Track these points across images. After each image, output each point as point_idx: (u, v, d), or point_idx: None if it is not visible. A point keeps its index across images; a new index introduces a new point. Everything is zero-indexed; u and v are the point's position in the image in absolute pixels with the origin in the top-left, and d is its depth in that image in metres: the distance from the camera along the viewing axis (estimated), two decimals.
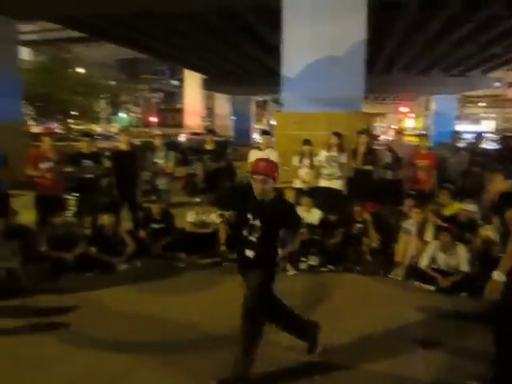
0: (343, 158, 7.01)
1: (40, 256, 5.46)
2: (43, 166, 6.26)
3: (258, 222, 3.25)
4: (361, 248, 5.94)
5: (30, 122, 27.89)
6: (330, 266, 5.78)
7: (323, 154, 7.05)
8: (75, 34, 27.99)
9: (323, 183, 6.97)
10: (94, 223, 6.66)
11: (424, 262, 5.30)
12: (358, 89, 9.02)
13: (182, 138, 27.25)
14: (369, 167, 7.05)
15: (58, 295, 4.86)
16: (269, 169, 3.24)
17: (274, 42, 16.99)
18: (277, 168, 3.33)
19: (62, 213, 5.94)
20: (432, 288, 5.14)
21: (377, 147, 8.35)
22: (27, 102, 21.48)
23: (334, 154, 6.99)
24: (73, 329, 4.11)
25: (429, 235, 5.69)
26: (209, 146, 7.44)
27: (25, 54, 17.30)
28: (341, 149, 7.05)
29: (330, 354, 3.63)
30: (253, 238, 3.27)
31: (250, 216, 3.29)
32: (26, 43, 26.49)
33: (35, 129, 27.98)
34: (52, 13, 13.19)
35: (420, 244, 5.60)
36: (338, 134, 7.09)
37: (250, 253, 3.30)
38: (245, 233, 3.32)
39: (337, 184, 6.94)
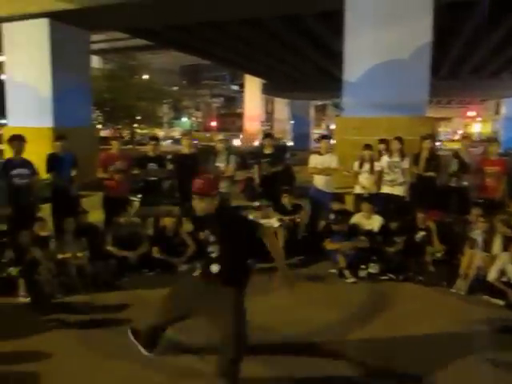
0: (405, 164, 6.82)
1: (106, 254, 5.73)
2: (112, 168, 6.57)
3: (212, 238, 3.25)
4: (423, 257, 5.73)
5: (98, 127, 29.41)
6: (391, 275, 5.63)
7: (385, 160, 6.89)
8: (141, 42, 29.29)
9: (385, 189, 6.81)
10: (157, 224, 6.93)
11: (493, 275, 5.01)
12: (423, 93, 8.77)
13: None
14: (431, 173, 6.80)
15: (122, 292, 5.09)
16: (203, 187, 3.24)
17: (336, 47, 16.90)
18: (214, 185, 3.36)
19: (126, 213, 6.18)
20: (501, 303, 4.85)
21: (441, 153, 8.05)
22: (95, 107, 22.65)
23: (396, 159, 6.82)
24: (135, 325, 4.28)
25: (497, 247, 5.38)
26: (267, 150, 7.47)
27: (94, 62, 18.36)
28: (403, 154, 6.86)
29: (390, 363, 3.52)
30: (214, 254, 3.22)
31: (207, 233, 3.30)
32: (95, 52, 28.00)
33: (103, 133, 29.46)
34: (123, 23, 13.91)
35: (487, 256, 5.31)
36: (399, 139, 6.91)
37: (214, 268, 3.21)
38: (209, 249, 3.26)
39: (399, 190, 6.76)
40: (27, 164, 6.04)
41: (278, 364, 3.57)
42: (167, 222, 6.12)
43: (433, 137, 7.48)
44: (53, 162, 6.52)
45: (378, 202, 6.66)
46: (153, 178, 6.82)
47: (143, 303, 4.76)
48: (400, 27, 8.59)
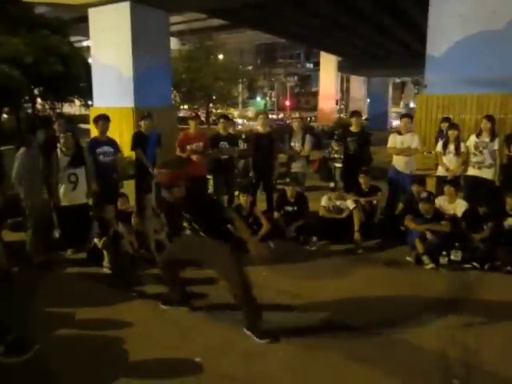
0: (495, 145, 6.30)
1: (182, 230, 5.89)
2: (189, 147, 6.71)
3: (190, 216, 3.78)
4: None
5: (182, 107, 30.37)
6: (475, 264, 5.26)
7: (472, 140, 6.41)
8: (217, 22, 29.56)
9: (471, 172, 6.36)
10: (231, 202, 7.02)
11: None
12: None
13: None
14: None
15: (198, 268, 5.21)
16: (168, 180, 3.72)
17: (419, 19, 15.95)
18: (177, 176, 3.77)
19: (204, 192, 6.30)
20: None
21: None
22: (174, 88, 23.30)
23: (486, 139, 6.32)
24: (211, 300, 4.39)
25: None
26: (354, 129, 7.19)
27: (172, 43, 18.85)
28: (493, 134, 6.34)
29: (473, 372, 3.30)
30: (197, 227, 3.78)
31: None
32: (172, 33, 28.75)
33: (181, 113, 30.38)
34: (201, 4, 14.09)
35: None
36: (490, 118, 6.39)
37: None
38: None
39: (487, 173, 6.28)
40: (111, 142, 6.33)
41: (350, 349, 3.49)
42: (242, 200, 6.16)
43: None
44: (138, 140, 6.71)
45: (465, 185, 6.24)
46: (224, 157, 6.88)
47: (217, 278, 4.86)
48: None
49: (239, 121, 36.30)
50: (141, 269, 5.23)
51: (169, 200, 3.85)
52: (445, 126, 7.16)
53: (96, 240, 5.34)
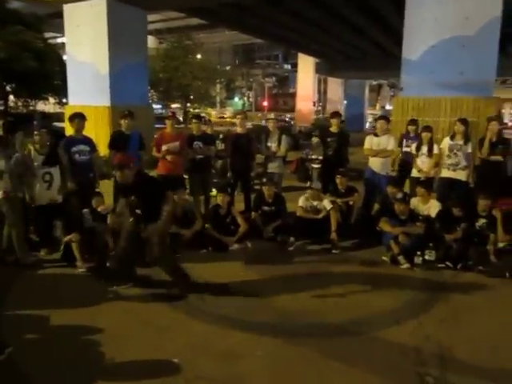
0: (469, 148, 6.45)
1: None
2: (165, 147, 6.64)
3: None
4: (484, 247, 5.44)
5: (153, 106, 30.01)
6: (448, 263, 5.38)
7: (446, 142, 6.55)
8: (195, 21, 29.37)
9: (445, 173, 6.50)
10: (207, 202, 7.00)
11: None
12: (490, 72, 8.22)
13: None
14: (498, 158, 6.39)
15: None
16: (122, 161, 4.49)
17: (395, 22, 16.21)
18: (125, 157, 4.72)
19: (181, 192, 6.25)
20: None
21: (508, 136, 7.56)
22: (151, 87, 23.05)
23: (460, 142, 6.47)
24: (189, 300, 4.37)
25: None
26: (334, 129, 7.25)
27: (149, 42, 18.65)
28: (467, 137, 6.50)
29: (448, 366, 3.37)
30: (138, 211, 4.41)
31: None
32: (150, 32, 28.49)
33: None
34: (179, 3, 13.98)
35: None
36: (464, 121, 6.55)
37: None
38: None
39: (461, 175, 6.42)
40: (87, 141, 6.22)
41: (328, 347, 3.52)
42: (220, 200, 6.15)
43: (499, 119, 7.04)
44: (118, 139, 6.54)
45: (439, 186, 6.37)
46: (199, 157, 6.84)
47: (197, 280, 4.84)
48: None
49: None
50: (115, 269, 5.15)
51: (119, 181, 4.46)
52: (412, 128, 7.28)
53: (65, 238, 5.25)
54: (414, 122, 7.41)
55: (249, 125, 17.01)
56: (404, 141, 7.29)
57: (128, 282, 4.67)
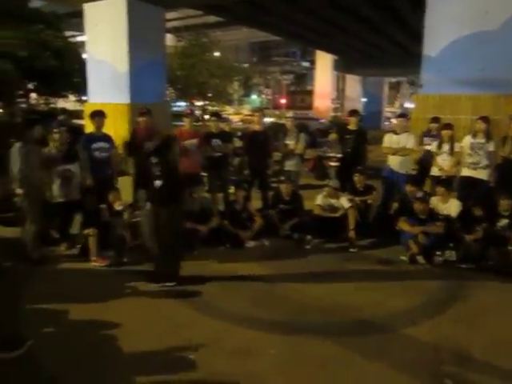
0: (491, 146, 6.32)
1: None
2: (183, 145, 6.65)
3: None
4: (505, 247, 5.32)
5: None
6: (469, 264, 5.29)
7: (467, 141, 6.43)
8: (213, 19, 29.44)
9: (466, 172, 6.37)
10: (226, 199, 7.01)
11: None
12: (511, 68, 8.01)
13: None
14: None
15: (193, 265, 5.20)
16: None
17: (415, 18, 15.97)
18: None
19: (199, 189, 6.27)
20: None
21: None
22: (168, 84, 23.19)
23: (481, 140, 6.33)
24: (204, 298, 4.39)
25: None
26: (352, 127, 7.18)
27: (167, 39, 18.68)
28: (488, 135, 6.36)
29: (465, 366, 3.31)
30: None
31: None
32: (168, 30, 28.68)
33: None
34: (197, 1, 14.01)
35: None
36: (485, 119, 6.41)
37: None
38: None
39: (482, 174, 6.29)
40: (107, 138, 6.28)
41: (343, 346, 3.49)
42: (237, 195, 6.18)
43: None
44: (135, 137, 6.60)
45: (459, 185, 6.26)
46: (217, 154, 6.85)
47: (212, 276, 4.86)
48: None
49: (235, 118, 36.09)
50: (133, 261, 5.24)
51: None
52: (434, 126, 7.16)
53: (85, 231, 5.31)
54: (436, 119, 7.28)
55: (268, 122, 17.00)
56: (425, 139, 7.17)
57: (173, 281, 4.65)
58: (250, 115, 26.65)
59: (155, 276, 4.68)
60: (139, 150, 6.22)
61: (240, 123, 27.22)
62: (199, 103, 32.62)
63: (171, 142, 4.87)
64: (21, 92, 18.83)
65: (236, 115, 35.55)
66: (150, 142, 6.27)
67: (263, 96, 58.55)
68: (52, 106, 21.66)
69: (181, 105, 33.36)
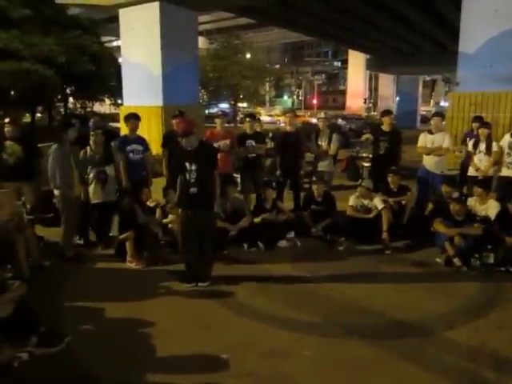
0: None
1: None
2: (216, 145, 6.72)
3: (194, 166, 4.49)
4: None
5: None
6: (508, 267, 5.11)
7: (507, 140, 6.22)
8: (244, 21, 29.63)
9: (505, 172, 6.17)
10: (259, 200, 7.02)
11: None
12: None
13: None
14: None
15: (224, 265, 5.25)
16: (187, 128, 4.52)
17: (449, 15, 15.59)
18: (192, 124, 4.63)
19: (231, 189, 6.31)
20: None
21: None
22: (201, 86, 23.48)
23: None
24: (238, 298, 4.41)
25: None
26: (386, 128, 7.06)
27: (200, 42, 18.90)
28: None
29: (505, 373, 3.20)
30: (193, 179, 4.50)
31: (187, 164, 4.52)
32: (200, 33, 29.04)
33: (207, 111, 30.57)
34: (229, 3, 14.14)
35: None
36: None
37: (192, 190, 4.51)
38: (186, 177, 4.53)
39: None
40: (141, 141, 6.41)
41: (378, 349, 3.44)
42: (265, 194, 6.26)
43: None
44: (170, 138, 6.68)
45: (498, 186, 6.06)
46: (251, 155, 6.88)
47: (244, 276, 4.89)
48: None
49: (267, 118, 36.10)
50: (167, 261, 5.33)
51: (183, 147, 4.53)
52: (476, 125, 6.98)
53: (120, 236, 5.43)
54: (478, 118, 7.07)
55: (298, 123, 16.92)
56: (467, 139, 6.97)
57: (204, 281, 4.68)
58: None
59: (188, 276, 4.73)
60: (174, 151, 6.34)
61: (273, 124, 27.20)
62: (242, 105, 32.85)
63: (208, 146, 4.94)
64: (59, 96, 19.46)
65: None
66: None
67: (295, 96, 58.40)
68: (89, 109, 22.31)
69: (224, 107, 33.91)
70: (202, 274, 4.71)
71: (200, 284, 4.65)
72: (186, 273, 4.78)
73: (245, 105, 32.91)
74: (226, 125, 7.45)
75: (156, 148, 7.21)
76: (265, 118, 30.44)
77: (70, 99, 21.81)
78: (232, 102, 32.19)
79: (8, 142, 5.62)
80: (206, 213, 4.61)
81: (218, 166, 4.76)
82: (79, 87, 18.31)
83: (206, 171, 4.57)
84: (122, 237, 5.39)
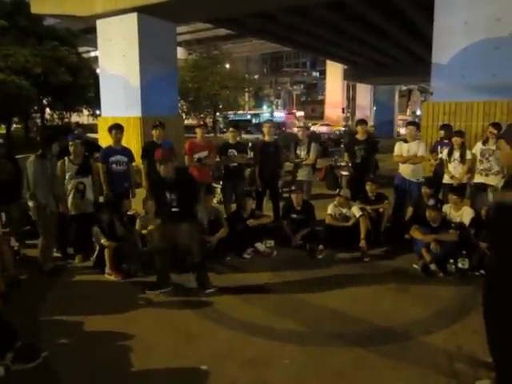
0: None
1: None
2: (196, 156, 6.75)
3: (173, 196, 4.64)
4: None
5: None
6: (482, 271, 5.22)
7: (479, 147, 6.40)
8: (223, 32, 29.81)
9: (478, 179, 6.34)
10: (238, 210, 7.04)
11: None
12: None
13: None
14: None
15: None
16: (165, 154, 4.62)
17: (424, 26, 16.00)
18: (171, 152, 4.78)
19: (208, 198, 6.31)
20: None
21: None
22: (180, 97, 23.48)
23: (492, 147, 6.30)
24: (217, 308, 4.40)
25: None
26: (361, 137, 7.18)
27: (178, 53, 18.90)
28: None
29: (480, 375, 3.26)
30: (175, 209, 4.67)
31: (167, 193, 4.67)
32: (179, 43, 29.10)
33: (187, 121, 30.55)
34: (207, 14, 14.23)
35: None
36: (496, 125, 6.38)
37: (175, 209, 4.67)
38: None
39: (494, 180, 6.25)
40: (126, 152, 6.37)
41: (357, 356, 3.48)
42: (244, 204, 6.33)
43: None
44: (150, 149, 6.60)
45: (471, 192, 6.21)
46: (233, 164, 6.92)
47: (222, 286, 4.87)
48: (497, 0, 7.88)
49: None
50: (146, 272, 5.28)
51: (163, 175, 4.60)
52: (443, 133, 7.13)
53: (103, 241, 5.38)
54: (445, 126, 7.25)
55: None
56: (439, 147, 7.14)
57: (166, 287, 4.80)
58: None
59: (156, 284, 4.84)
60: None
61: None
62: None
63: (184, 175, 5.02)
64: (36, 107, 19.22)
65: None
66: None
67: (274, 106, 58.82)
68: (66, 120, 22.05)
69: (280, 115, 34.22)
70: (204, 283, 4.83)
71: (207, 291, 4.75)
72: (157, 281, 4.86)
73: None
74: (206, 135, 7.47)
75: (135, 159, 7.15)
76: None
77: (47, 110, 21.54)
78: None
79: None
80: (188, 225, 4.71)
81: (197, 197, 5.10)
82: (56, 98, 18.14)
83: (186, 199, 4.72)
84: (103, 241, 5.35)
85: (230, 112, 35.53)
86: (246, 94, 41.07)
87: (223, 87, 29.44)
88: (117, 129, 6.31)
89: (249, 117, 42.36)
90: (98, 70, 15.46)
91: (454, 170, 6.54)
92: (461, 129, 7.01)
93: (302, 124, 33.29)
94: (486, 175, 6.29)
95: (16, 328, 3.48)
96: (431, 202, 5.96)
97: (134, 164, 6.59)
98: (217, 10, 13.07)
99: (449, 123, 7.49)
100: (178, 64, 15.97)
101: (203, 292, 4.71)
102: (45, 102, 19.34)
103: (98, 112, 18.38)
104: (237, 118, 37.16)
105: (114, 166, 6.15)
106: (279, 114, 37.34)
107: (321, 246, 6.04)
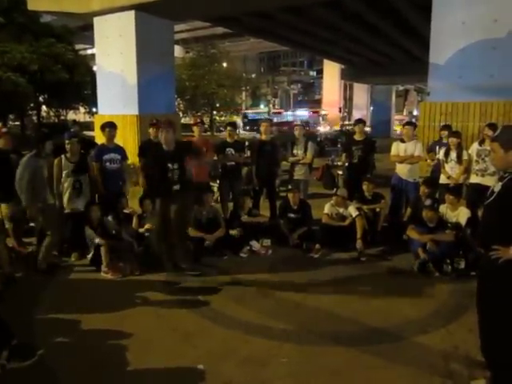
0: None
1: (186, 237, 5.92)
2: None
3: (176, 165, 4.99)
4: None
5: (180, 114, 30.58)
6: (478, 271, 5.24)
7: (475, 148, 6.42)
8: (221, 30, 29.78)
9: (474, 179, 6.36)
10: (235, 208, 7.04)
11: None
12: None
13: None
14: None
15: (200, 274, 5.23)
16: (168, 123, 5.07)
17: (422, 26, 16.03)
18: (168, 121, 5.19)
19: (207, 196, 6.30)
20: None
21: None
22: (177, 95, 23.43)
23: (487, 147, 6.31)
24: (214, 307, 4.40)
25: None
26: (358, 137, 7.19)
27: (176, 51, 18.85)
28: None
29: (476, 374, 3.27)
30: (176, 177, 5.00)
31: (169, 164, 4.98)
32: (176, 41, 29.02)
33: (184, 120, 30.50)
34: (205, 12, 14.19)
35: None
36: (492, 126, 6.39)
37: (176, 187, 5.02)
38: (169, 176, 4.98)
39: (490, 181, 6.26)
40: (119, 150, 6.35)
41: (354, 355, 3.48)
42: (242, 203, 6.35)
43: None
44: (146, 147, 6.67)
45: (467, 193, 6.23)
46: (231, 163, 6.92)
47: (220, 285, 4.89)
48: (496, 1, 7.89)
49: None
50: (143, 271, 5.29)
51: (163, 150, 4.97)
52: (444, 133, 7.16)
53: (98, 240, 5.36)
54: (446, 127, 7.26)
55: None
56: (437, 147, 7.15)
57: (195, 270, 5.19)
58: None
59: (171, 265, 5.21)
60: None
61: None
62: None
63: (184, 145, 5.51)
64: (32, 104, 19.15)
65: None
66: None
67: (271, 106, 58.82)
68: (62, 118, 21.98)
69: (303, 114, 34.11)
70: (184, 259, 5.18)
71: (190, 273, 5.11)
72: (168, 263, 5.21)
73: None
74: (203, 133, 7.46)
75: (131, 157, 7.14)
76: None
77: (44, 107, 21.45)
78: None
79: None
80: (184, 201, 5.14)
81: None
82: (52, 95, 18.07)
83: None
84: (98, 240, 5.33)
85: (249, 111, 35.38)
86: (243, 93, 41.06)
87: (220, 86, 29.38)
88: (110, 127, 6.29)
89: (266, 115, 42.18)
90: (94, 68, 15.37)
91: (451, 171, 6.56)
92: (457, 129, 7.02)
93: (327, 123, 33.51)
94: (482, 176, 6.31)
95: (11, 326, 3.45)
96: (428, 201, 5.96)
97: (129, 162, 6.57)
98: (214, 9, 13.03)
99: (449, 124, 7.49)
100: (176, 62, 15.91)
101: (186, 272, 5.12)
102: (41, 99, 19.27)
103: (94, 110, 18.31)
104: (256, 118, 36.80)
105: (107, 164, 6.13)
106: (302, 113, 37.06)
107: (317, 246, 6.04)
